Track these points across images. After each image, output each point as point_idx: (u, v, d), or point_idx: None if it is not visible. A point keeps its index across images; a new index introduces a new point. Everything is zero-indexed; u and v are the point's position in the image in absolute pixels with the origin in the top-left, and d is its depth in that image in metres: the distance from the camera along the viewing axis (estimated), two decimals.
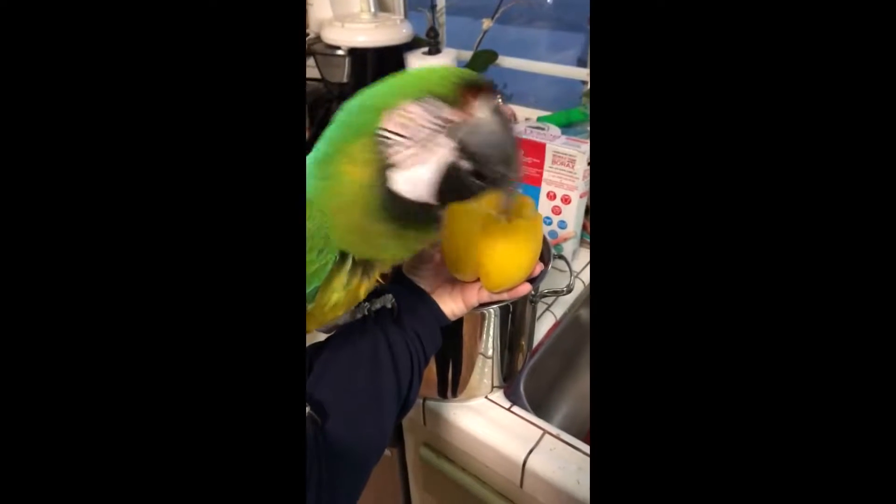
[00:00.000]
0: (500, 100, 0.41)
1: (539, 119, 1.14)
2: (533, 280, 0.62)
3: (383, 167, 0.40)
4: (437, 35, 1.12)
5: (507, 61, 1.26)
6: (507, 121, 0.40)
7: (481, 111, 0.40)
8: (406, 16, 1.30)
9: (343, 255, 0.45)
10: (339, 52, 1.11)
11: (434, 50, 1.12)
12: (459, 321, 0.67)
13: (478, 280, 0.59)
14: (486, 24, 1.20)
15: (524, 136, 0.97)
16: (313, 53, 1.15)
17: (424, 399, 0.76)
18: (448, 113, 0.39)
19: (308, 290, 0.44)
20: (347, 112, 0.42)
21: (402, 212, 0.41)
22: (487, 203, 0.58)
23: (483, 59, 1.21)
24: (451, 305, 0.60)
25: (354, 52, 1.10)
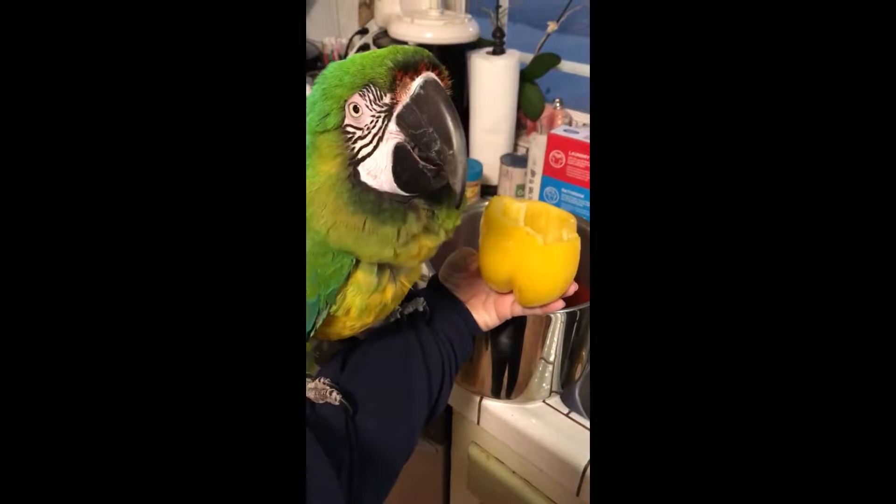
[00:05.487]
0: (439, 75, 0.40)
1: None
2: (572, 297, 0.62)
3: (350, 160, 0.40)
4: (503, 35, 1.12)
5: (568, 66, 1.25)
6: (444, 97, 0.39)
7: (415, 89, 0.39)
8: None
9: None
10: None
11: (499, 50, 1.12)
12: (523, 323, 0.67)
13: (512, 292, 0.58)
14: (552, 26, 1.19)
15: (587, 141, 0.96)
16: (378, 47, 1.16)
17: (481, 397, 0.77)
18: (387, 98, 0.39)
19: (327, 292, 0.44)
20: (313, 95, 0.41)
21: (373, 204, 0.41)
22: (526, 219, 0.58)
23: (545, 62, 1.21)
24: (485, 316, 0.60)
25: None
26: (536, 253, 0.54)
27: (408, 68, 0.38)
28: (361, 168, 0.41)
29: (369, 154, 0.40)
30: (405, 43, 1.11)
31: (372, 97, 0.39)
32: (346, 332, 0.51)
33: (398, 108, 0.39)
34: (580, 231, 0.58)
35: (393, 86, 0.39)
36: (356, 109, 0.39)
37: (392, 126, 0.40)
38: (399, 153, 0.40)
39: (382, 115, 0.39)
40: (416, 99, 0.39)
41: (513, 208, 0.59)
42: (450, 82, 0.41)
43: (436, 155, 0.39)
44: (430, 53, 0.40)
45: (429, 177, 0.40)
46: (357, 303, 0.46)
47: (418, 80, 0.39)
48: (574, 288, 0.59)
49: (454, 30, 1.10)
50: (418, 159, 0.40)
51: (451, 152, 0.39)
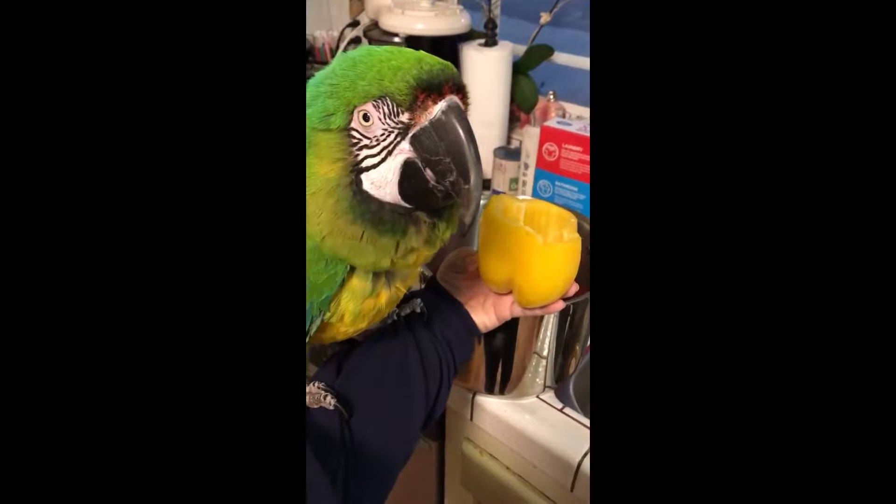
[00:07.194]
0: (461, 98, 0.39)
1: None
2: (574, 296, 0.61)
3: (352, 167, 0.38)
4: (495, 27, 1.11)
5: (561, 57, 1.24)
6: (466, 126, 0.37)
7: (436, 114, 0.37)
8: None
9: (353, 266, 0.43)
10: (396, 40, 1.10)
11: (491, 42, 1.11)
12: (516, 318, 0.66)
13: (512, 293, 0.57)
14: (545, 18, 1.18)
15: (581, 133, 0.95)
16: (369, 39, 1.15)
17: (474, 393, 0.76)
18: (404, 116, 0.37)
19: (320, 299, 0.43)
20: (317, 87, 0.39)
21: (373, 214, 0.39)
22: (526, 218, 0.57)
23: (538, 54, 1.20)
24: (484, 317, 0.59)
25: (411, 40, 1.09)
26: (537, 253, 0.52)
27: (431, 90, 0.36)
28: (365, 177, 0.38)
29: (374, 165, 0.38)
30: (395, 35, 1.09)
31: (387, 111, 0.37)
32: (341, 337, 0.50)
33: (415, 129, 0.37)
34: (580, 230, 0.56)
35: (412, 106, 0.36)
36: (366, 118, 0.37)
37: (405, 144, 0.38)
38: (409, 170, 0.38)
39: (396, 131, 0.37)
40: (435, 124, 0.37)
41: (513, 208, 0.58)
42: (469, 102, 0.39)
43: (449, 185, 0.37)
44: (456, 71, 0.38)
45: (438, 197, 0.39)
46: (351, 308, 0.45)
47: (441, 105, 0.37)
48: (575, 288, 0.57)
49: (446, 21, 1.08)
50: (429, 179, 0.38)
51: (466, 187, 0.37)
